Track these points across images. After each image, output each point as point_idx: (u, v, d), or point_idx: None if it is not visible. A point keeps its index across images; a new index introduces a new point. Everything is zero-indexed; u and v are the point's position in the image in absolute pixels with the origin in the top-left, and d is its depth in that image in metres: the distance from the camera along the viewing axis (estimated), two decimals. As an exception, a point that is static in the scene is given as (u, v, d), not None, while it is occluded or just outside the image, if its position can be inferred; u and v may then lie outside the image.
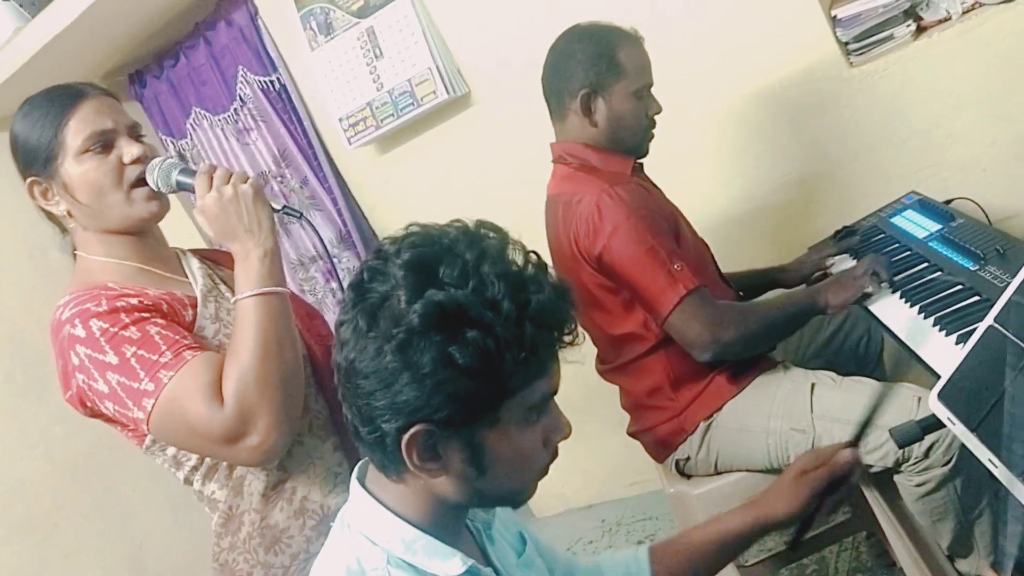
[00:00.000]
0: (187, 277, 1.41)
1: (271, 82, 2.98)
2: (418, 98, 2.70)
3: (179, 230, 3.17)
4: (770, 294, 2.11)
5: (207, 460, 1.33)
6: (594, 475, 3.13)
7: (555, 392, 0.92)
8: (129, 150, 1.32)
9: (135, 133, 1.36)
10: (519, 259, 0.87)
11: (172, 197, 1.41)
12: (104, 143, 1.31)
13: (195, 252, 1.49)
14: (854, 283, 1.72)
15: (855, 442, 1.20)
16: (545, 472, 0.96)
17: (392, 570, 0.89)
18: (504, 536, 1.10)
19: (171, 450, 1.32)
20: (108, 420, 1.31)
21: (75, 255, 1.39)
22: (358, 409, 0.88)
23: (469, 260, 0.83)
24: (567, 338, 0.89)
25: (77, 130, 1.29)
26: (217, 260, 1.50)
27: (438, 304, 0.81)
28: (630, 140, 1.87)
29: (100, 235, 1.35)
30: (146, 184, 1.33)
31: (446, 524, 0.95)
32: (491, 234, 0.88)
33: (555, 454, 0.95)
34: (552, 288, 0.86)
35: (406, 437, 0.84)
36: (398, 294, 0.83)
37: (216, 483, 1.34)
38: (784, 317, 1.76)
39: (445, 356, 0.81)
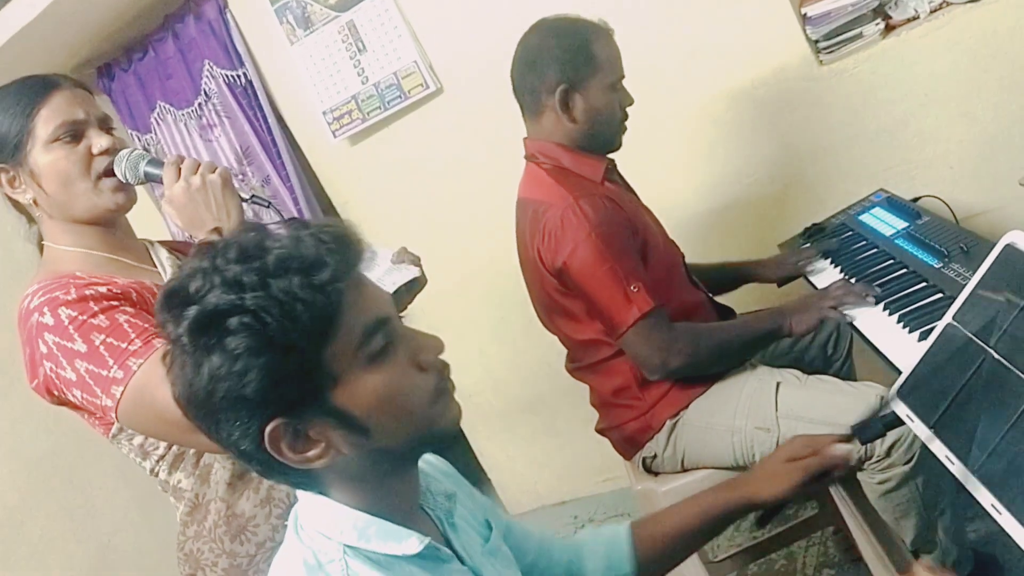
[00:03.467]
0: (156, 267, 1.43)
1: (237, 77, 2.94)
2: (405, 91, 2.71)
3: (148, 223, 3.13)
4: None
5: (173, 449, 1.33)
6: (566, 472, 3.12)
7: (381, 321, 0.86)
8: (98, 141, 1.32)
9: (106, 125, 1.37)
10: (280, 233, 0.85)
11: (140, 190, 1.41)
12: (74, 133, 1.31)
13: (163, 243, 1.50)
14: (818, 311, 1.74)
15: (851, 438, 1.22)
16: (442, 391, 0.91)
17: (349, 560, 0.87)
18: (469, 523, 1.08)
19: (138, 439, 1.32)
20: (75, 408, 1.31)
21: (42, 246, 1.38)
22: (220, 444, 0.87)
23: (206, 266, 0.82)
24: (323, 276, 0.82)
25: (48, 119, 1.30)
26: (185, 252, 1.50)
27: (194, 317, 0.80)
28: (606, 134, 1.85)
29: (67, 224, 1.35)
30: (114, 175, 1.34)
31: (398, 506, 0.93)
32: (239, 236, 0.85)
33: (443, 369, 0.92)
34: (292, 237, 0.83)
35: (267, 443, 0.83)
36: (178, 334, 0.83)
37: (182, 472, 1.35)
38: (742, 343, 1.80)
39: (227, 353, 0.79)
